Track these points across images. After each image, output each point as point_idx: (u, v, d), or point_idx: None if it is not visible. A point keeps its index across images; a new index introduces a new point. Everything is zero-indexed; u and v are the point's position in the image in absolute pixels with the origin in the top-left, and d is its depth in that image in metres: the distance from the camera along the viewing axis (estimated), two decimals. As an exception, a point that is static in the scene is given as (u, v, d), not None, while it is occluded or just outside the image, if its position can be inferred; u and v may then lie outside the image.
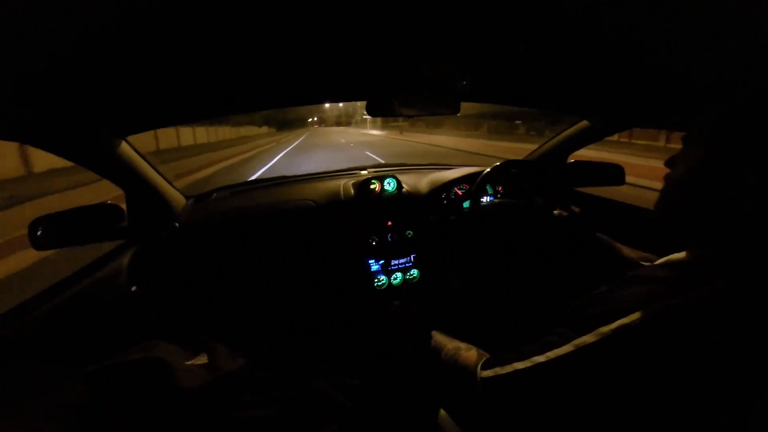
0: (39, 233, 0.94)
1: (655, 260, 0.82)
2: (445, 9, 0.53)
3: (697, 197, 0.47)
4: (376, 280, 1.38)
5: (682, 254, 0.51)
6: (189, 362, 1.23)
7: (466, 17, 0.56)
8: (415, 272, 1.43)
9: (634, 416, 0.45)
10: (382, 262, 1.38)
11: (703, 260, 0.47)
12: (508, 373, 0.52)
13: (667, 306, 0.42)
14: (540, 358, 0.49)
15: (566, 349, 0.47)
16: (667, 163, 0.54)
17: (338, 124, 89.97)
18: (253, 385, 1.00)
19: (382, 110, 1.04)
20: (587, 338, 0.46)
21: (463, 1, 0.51)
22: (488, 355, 0.61)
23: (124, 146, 0.98)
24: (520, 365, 0.51)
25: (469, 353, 0.63)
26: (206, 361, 1.26)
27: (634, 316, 0.43)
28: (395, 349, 1.19)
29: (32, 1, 0.37)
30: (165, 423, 0.86)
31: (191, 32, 0.52)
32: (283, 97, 1.01)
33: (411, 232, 1.39)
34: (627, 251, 0.90)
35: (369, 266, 1.36)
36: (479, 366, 0.58)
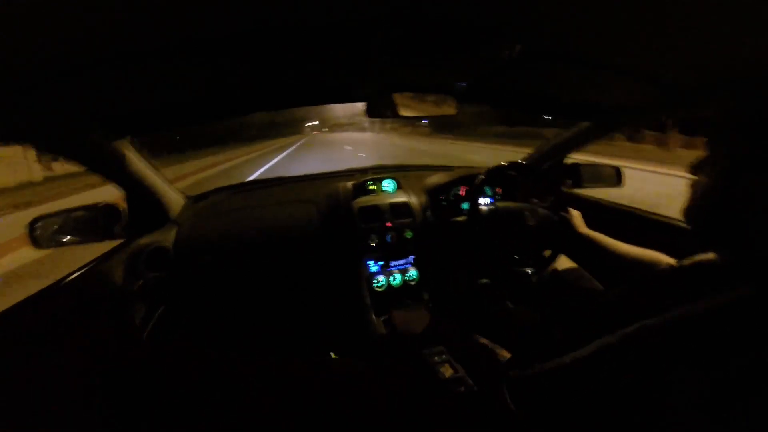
0: (38, 232, 0.95)
1: (657, 257, 0.83)
2: (443, 13, 0.54)
3: (730, 201, 0.46)
4: (375, 281, 1.38)
5: (707, 256, 0.50)
6: (186, 367, 1.23)
7: (464, 21, 0.56)
8: (414, 273, 1.43)
9: (656, 418, 0.44)
10: (381, 263, 1.38)
11: (732, 263, 0.46)
12: (533, 374, 0.53)
13: (693, 309, 0.41)
14: (564, 359, 0.49)
15: (589, 349, 0.47)
16: (693, 169, 0.52)
17: (353, 126, 51.92)
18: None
19: (382, 112, 1.04)
20: (609, 339, 0.45)
21: (461, 6, 0.51)
22: (509, 355, 0.62)
23: (125, 147, 0.98)
24: (544, 366, 0.51)
25: (491, 352, 0.65)
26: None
27: (658, 317, 0.42)
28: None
29: (31, 3, 0.38)
30: (162, 422, 0.86)
31: (188, 33, 0.53)
32: (280, 100, 1.02)
33: (410, 233, 1.39)
34: (627, 249, 0.91)
35: (368, 267, 1.36)
36: (505, 367, 0.59)
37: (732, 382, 0.40)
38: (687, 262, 0.52)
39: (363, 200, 1.36)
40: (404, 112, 1.06)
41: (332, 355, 1.45)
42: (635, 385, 0.44)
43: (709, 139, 0.50)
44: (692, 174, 0.52)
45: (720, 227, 0.47)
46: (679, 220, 1.14)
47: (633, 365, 0.44)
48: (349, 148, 18.87)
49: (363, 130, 44.70)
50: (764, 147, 0.41)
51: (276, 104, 1.07)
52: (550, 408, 0.54)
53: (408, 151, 15.24)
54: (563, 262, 1.16)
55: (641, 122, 1.16)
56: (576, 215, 1.09)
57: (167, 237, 1.20)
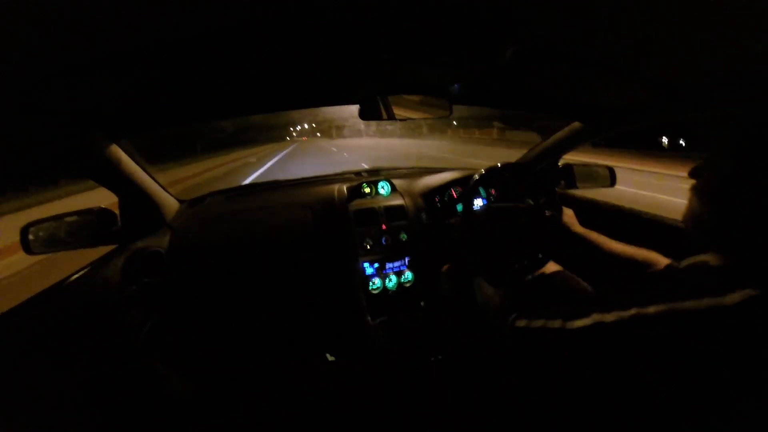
0: (31, 238, 0.94)
1: (651, 256, 0.84)
2: (436, 14, 0.54)
3: (731, 206, 0.46)
4: (370, 283, 1.38)
5: (707, 257, 0.51)
6: (183, 371, 1.23)
7: (457, 22, 0.57)
8: (409, 275, 1.43)
9: (635, 399, 0.47)
10: (376, 265, 1.38)
11: (732, 266, 0.47)
12: (536, 328, 0.60)
13: (691, 306, 0.43)
14: (565, 324, 0.54)
15: (587, 321, 0.51)
16: (692, 174, 0.53)
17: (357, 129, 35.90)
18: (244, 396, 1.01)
19: (374, 114, 1.05)
20: (606, 317, 0.49)
21: (454, 7, 0.52)
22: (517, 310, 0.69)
23: (117, 150, 0.98)
24: (548, 324, 0.57)
25: (503, 301, 0.72)
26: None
27: (653, 308, 0.44)
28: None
29: (27, 3, 0.38)
30: (158, 426, 0.86)
31: (185, 35, 0.53)
32: (274, 102, 1.02)
33: (405, 235, 1.39)
34: (620, 247, 0.91)
35: (364, 269, 1.36)
36: (513, 315, 0.65)
37: (727, 382, 0.41)
38: (685, 262, 0.53)
39: (358, 203, 1.36)
40: (398, 114, 1.07)
41: (328, 356, 1.44)
42: (624, 364, 0.47)
43: (709, 142, 0.51)
44: (691, 178, 0.53)
45: (721, 231, 0.48)
46: (674, 220, 1.14)
47: (625, 346, 0.47)
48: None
49: (379, 133, 30.76)
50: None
51: (272, 106, 1.07)
52: (545, 361, 0.62)
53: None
54: (550, 266, 1.17)
55: (638, 123, 1.16)
56: (569, 214, 1.09)
57: (161, 242, 1.20)
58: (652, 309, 0.44)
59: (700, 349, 0.41)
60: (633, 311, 0.46)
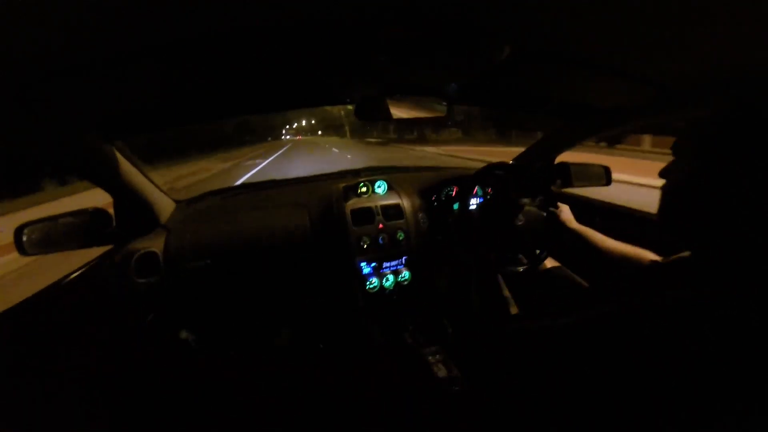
0: (25, 239, 0.93)
1: (643, 254, 0.85)
2: (433, 15, 0.54)
3: (695, 203, 0.48)
4: (368, 283, 1.38)
5: (685, 254, 0.53)
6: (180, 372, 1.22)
7: (454, 23, 0.57)
8: (406, 274, 1.43)
9: (619, 393, 0.48)
10: (373, 264, 1.38)
11: (704, 261, 0.49)
12: (526, 328, 0.64)
13: (663, 298, 0.44)
14: (549, 323, 0.58)
15: (571, 318, 0.54)
16: (662, 174, 0.55)
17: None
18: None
19: (371, 114, 1.04)
20: (588, 313, 0.52)
21: (450, 8, 0.52)
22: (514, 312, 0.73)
23: (112, 151, 0.97)
24: (537, 323, 0.62)
25: (499, 304, 0.76)
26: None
27: (629, 302, 0.47)
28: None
29: (27, 3, 0.37)
30: (158, 426, 0.86)
31: (182, 32, 0.52)
32: (273, 102, 1.01)
33: (402, 235, 1.39)
34: (614, 245, 0.92)
35: (360, 269, 1.37)
36: (507, 317, 0.70)
37: (696, 375, 0.42)
38: (665, 259, 0.55)
39: (354, 202, 1.36)
40: (396, 114, 1.07)
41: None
42: (607, 358, 0.49)
43: (675, 145, 0.53)
44: (661, 178, 0.55)
45: (688, 227, 0.51)
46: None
47: (604, 339, 0.49)
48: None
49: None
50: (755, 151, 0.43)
51: (271, 106, 1.06)
52: (540, 357, 0.63)
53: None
54: (548, 262, 1.18)
55: (632, 123, 1.18)
56: (565, 209, 1.11)
57: (156, 242, 1.19)
58: (628, 303, 0.47)
59: (673, 342, 0.43)
60: (613, 306, 0.48)
